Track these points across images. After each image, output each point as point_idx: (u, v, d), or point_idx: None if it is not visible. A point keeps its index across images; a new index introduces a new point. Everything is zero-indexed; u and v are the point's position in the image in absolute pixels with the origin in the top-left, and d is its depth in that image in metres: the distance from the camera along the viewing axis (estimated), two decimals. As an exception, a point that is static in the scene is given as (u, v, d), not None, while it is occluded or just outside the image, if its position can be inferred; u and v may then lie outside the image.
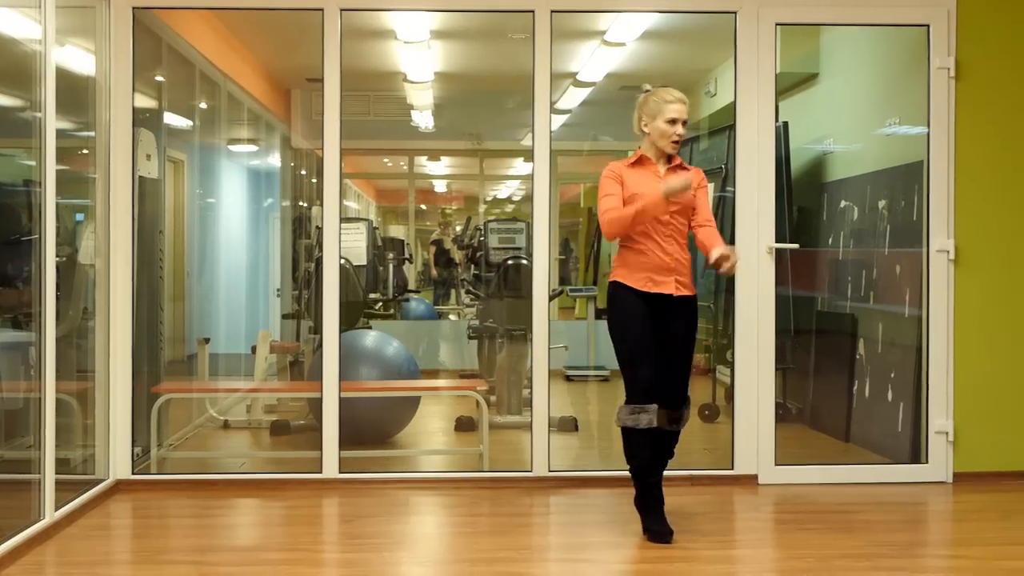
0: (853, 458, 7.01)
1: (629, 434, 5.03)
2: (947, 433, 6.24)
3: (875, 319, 7.21)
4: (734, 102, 6.30)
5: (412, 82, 10.62)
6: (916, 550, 5.17)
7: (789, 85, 8.32)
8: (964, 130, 6.26)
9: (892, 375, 6.87)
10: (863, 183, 7.49)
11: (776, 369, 6.32)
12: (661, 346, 5.04)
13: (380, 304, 10.34)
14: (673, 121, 5.05)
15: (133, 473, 6.12)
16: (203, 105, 8.84)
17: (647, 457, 5.05)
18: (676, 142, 5.08)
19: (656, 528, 5.02)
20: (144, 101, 6.78)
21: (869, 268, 7.38)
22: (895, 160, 7.03)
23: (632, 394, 5.00)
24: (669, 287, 5.02)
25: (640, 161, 5.13)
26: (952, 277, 6.26)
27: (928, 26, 6.27)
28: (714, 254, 4.93)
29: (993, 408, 6.26)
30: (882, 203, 7.18)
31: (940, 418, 6.26)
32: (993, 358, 6.27)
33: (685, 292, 5.07)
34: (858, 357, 7.38)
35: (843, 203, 7.79)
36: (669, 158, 5.15)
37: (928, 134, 6.30)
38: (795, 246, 6.88)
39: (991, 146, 6.28)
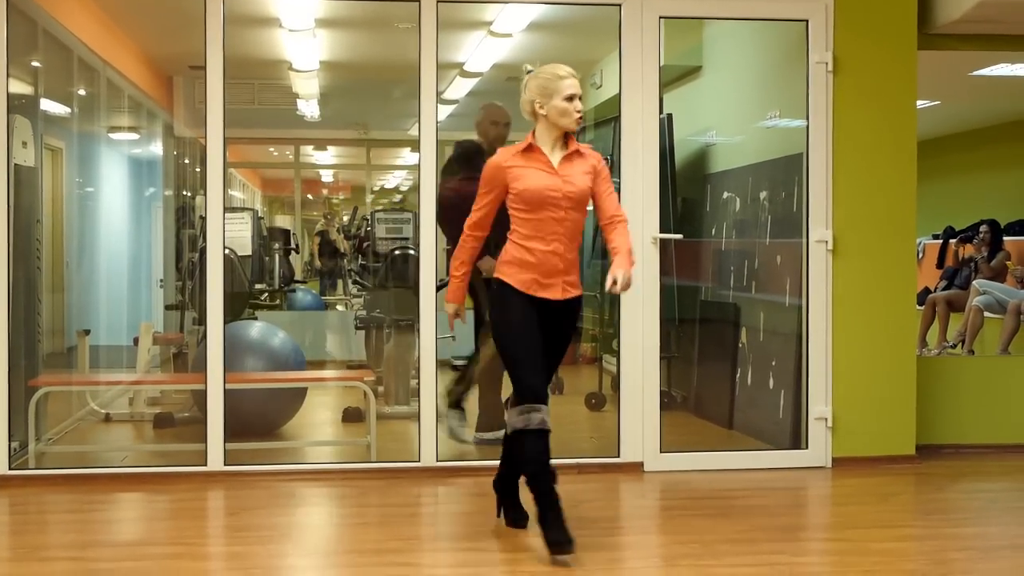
0: (736, 444, 7.14)
1: (521, 438, 4.69)
2: (826, 419, 6.39)
3: (757, 308, 7.34)
4: (619, 94, 6.35)
5: (297, 71, 10.50)
6: (797, 533, 5.29)
7: (673, 78, 8.43)
8: (841, 123, 6.40)
9: (773, 363, 7.01)
10: (745, 175, 7.62)
11: (661, 358, 6.40)
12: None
13: (266, 295, 10.23)
14: (571, 97, 4.73)
15: (10, 468, 5.97)
16: (82, 92, 8.64)
17: (543, 461, 4.68)
18: (578, 120, 4.74)
19: (558, 539, 4.59)
20: (19, 87, 6.59)
21: (751, 258, 7.51)
22: (776, 152, 7.16)
23: (522, 395, 4.69)
24: (555, 291, 4.75)
25: (530, 149, 4.76)
26: (830, 267, 6.40)
27: (807, 21, 6.40)
28: (609, 280, 4.62)
29: (870, 395, 6.42)
30: (763, 194, 7.32)
31: (819, 405, 6.40)
32: (870, 346, 6.43)
33: (572, 294, 4.80)
34: (741, 346, 7.51)
35: (726, 194, 7.91)
36: (566, 141, 4.79)
37: (807, 127, 6.44)
38: (679, 236, 6.97)
39: (867, 138, 6.43)
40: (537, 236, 4.73)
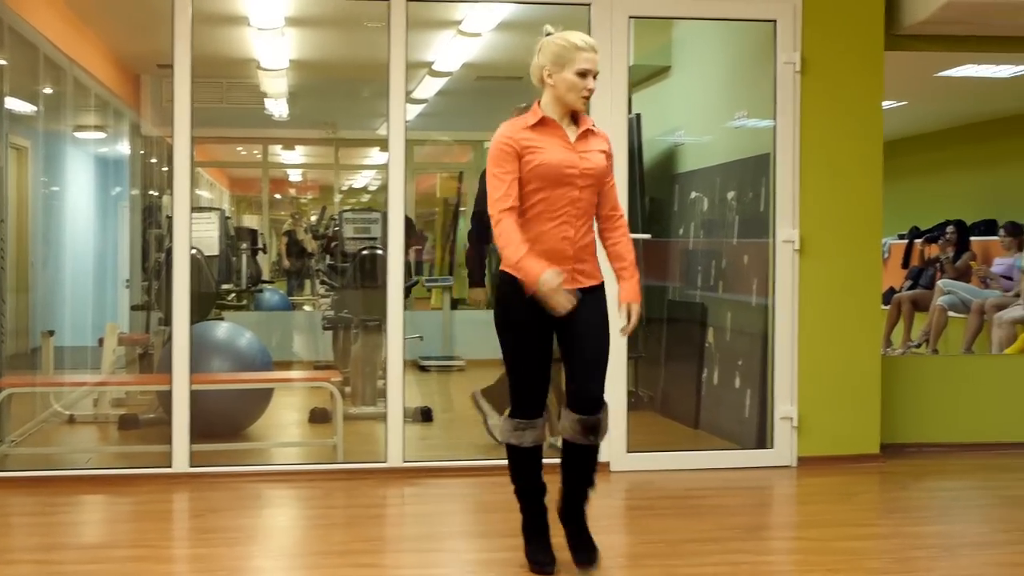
0: (702, 444, 7.15)
1: (513, 452, 4.39)
2: (791, 419, 6.41)
3: (724, 308, 7.37)
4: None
5: (266, 69, 10.46)
6: (762, 533, 5.32)
7: (642, 77, 8.44)
8: (809, 123, 6.43)
9: (740, 363, 7.03)
10: (713, 175, 7.64)
11: (628, 358, 6.40)
12: (565, 344, 4.30)
13: (233, 295, 10.19)
14: (584, 73, 4.22)
15: (-28, 470, 5.93)
16: (48, 90, 8.57)
17: (534, 479, 4.42)
18: (586, 97, 4.26)
19: (539, 559, 4.40)
20: (-17, 85, 6.55)
21: (718, 258, 7.54)
22: (743, 152, 7.18)
23: (516, 406, 4.34)
24: (564, 281, 4.16)
25: (543, 123, 4.26)
26: (797, 267, 6.42)
27: (775, 22, 6.42)
28: (621, 315, 4.32)
29: (835, 394, 6.45)
30: (731, 194, 7.34)
31: (785, 404, 6.43)
32: (835, 345, 6.45)
33: (583, 284, 4.27)
34: (707, 345, 7.53)
35: (693, 194, 7.93)
36: (575, 118, 4.32)
37: (774, 127, 6.46)
38: (647, 236, 6.98)
39: (834, 139, 6.45)
40: (546, 217, 4.21)
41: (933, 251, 10.15)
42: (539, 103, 4.32)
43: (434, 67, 10.25)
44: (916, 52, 6.75)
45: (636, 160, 7.64)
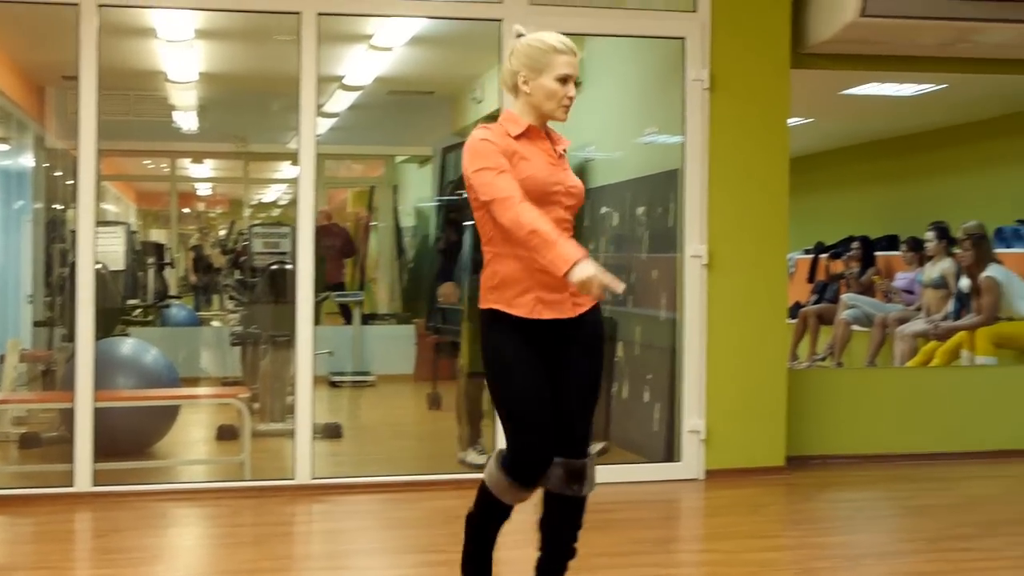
0: (611, 458, 7.17)
1: (487, 497, 3.80)
2: (699, 432, 6.47)
3: (633, 322, 7.41)
4: (499, 108, 6.36)
5: (174, 82, 10.34)
6: (670, 546, 5.36)
7: (553, 93, 8.45)
8: (717, 139, 6.50)
9: (649, 376, 7.08)
10: (623, 190, 7.69)
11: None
12: (555, 380, 3.70)
13: (139, 310, 10.03)
14: (565, 79, 3.71)
15: None
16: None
17: (492, 534, 3.93)
18: (567, 107, 3.74)
19: None
20: None
21: (628, 273, 7.58)
22: (653, 168, 7.24)
23: (517, 467, 3.68)
24: (564, 308, 3.67)
25: (528, 134, 3.73)
26: (705, 281, 6.48)
27: (684, 39, 6.49)
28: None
29: (742, 407, 6.52)
30: (640, 209, 7.40)
31: (693, 418, 6.48)
32: (742, 359, 6.53)
33: (584, 307, 3.72)
34: (617, 360, 7.57)
35: (604, 209, 7.98)
36: (547, 132, 3.81)
37: (683, 143, 6.52)
38: (558, 251, 6.99)
39: (742, 155, 6.54)
40: None
41: (838, 267, 10.33)
42: (509, 111, 3.81)
43: (345, 81, 10.21)
44: (822, 71, 6.87)
45: (547, 175, 7.65)
